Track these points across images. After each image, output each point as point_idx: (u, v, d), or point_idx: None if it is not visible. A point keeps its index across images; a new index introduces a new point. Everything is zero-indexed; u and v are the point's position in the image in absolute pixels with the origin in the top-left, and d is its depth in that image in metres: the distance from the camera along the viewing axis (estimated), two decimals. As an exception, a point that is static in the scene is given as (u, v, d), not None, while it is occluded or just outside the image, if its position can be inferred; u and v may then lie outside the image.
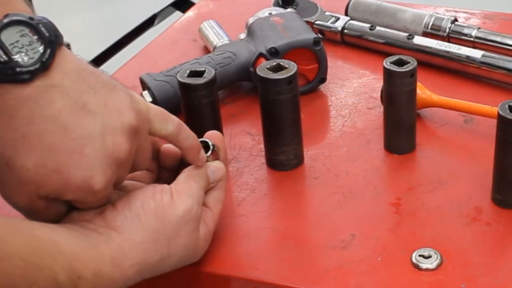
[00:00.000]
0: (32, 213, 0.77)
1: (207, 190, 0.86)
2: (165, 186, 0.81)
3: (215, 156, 0.88)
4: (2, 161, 0.73)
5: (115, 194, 0.81)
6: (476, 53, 1.16)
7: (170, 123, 0.83)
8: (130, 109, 0.77)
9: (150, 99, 1.08)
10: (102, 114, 0.75)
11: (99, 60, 2.40)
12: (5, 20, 0.72)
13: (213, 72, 0.98)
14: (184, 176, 0.84)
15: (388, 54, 1.03)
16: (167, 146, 0.88)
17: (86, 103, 0.74)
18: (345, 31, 1.29)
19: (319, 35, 1.29)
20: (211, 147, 0.88)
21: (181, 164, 0.88)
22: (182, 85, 0.98)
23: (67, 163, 0.73)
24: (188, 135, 0.85)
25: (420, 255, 0.85)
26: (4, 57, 0.71)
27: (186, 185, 0.82)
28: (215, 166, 0.87)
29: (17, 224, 0.70)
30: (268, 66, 0.96)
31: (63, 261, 0.70)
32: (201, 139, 0.88)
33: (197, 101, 0.98)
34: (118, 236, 0.76)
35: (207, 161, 0.87)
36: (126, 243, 0.76)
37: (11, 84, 0.71)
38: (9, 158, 0.73)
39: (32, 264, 0.67)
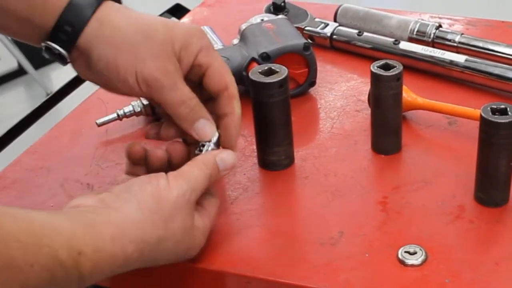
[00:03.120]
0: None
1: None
2: (162, 173, 0.81)
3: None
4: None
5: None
6: (460, 58, 1.16)
7: None
8: None
9: (148, 101, 1.08)
10: None
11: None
12: None
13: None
14: (188, 164, 0.83)
15: (375, 59, 1.03)
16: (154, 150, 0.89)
17: None
18: (334, 36, 1.29)
19: (309, 40, 1.29)
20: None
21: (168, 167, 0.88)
22: (178, 88, 0.98)
23: None
24: None
25: (405, 252, 0.85)
26: None
27: (186, 171, 0.82)
28: (226, 154, 0.86)
29: (11, 209, 0.70)
30: (260, 70, 0.96)
31: (62, 240, 0.70)
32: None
33: (192, 104, 0.98)
34: (117, 215, 0.76)
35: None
36: (124, 222, 0.76)
37: None
38: None
39: (31, 244, 0.67)
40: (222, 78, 0.88)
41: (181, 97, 0.86)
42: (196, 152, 0.86)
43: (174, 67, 0.85)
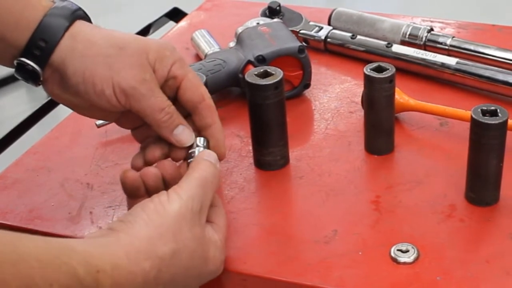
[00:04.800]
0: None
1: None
2: (163, 191, 0.80)
3: None
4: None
5: None
6: (451, 61, 1.16)
7: None
8: None
9: None
10: None
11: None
12: None
13: (205, 78, 0.98)
14: (186, 175, 0.82)
15: (368, 61, 1.03)
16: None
17: None
18: (328, 39, 1.29)
19: (304, 43, 1.29)
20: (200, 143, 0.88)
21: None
22: (175, 90, 0.97)
23: None
24: None
25: (398, 250, 0.85)
26: None
27: (183, 181, 0.80)
28: (204, 151, 0.86)
29: (25, 234, 0.68)
30: (256, 73, 0.96)
31: (79, 258, 0.68)
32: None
33: (189, 105, 0.97)
34: (125, 235, 0.74)
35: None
36: (134, 240, 0.74)
37: None
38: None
39: (49, 263, 0.66)
40: (198, 89, 0.88)
41: (161, 103, 0.85)
42: (189, 161, 0.86)
43: (150, 76, 0.85)
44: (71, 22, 0.85)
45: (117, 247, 0.73)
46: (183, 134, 0.87)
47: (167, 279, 0.76)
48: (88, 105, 0.86)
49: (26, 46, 0.84)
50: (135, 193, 0.86)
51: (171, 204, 0.77)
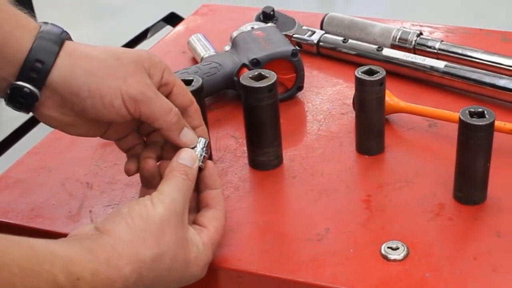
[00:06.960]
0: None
1: (202, 211, 0.85)
2: (147, 195, 0.79)
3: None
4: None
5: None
6: (439, 64, 1.16)
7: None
8: None
9: None
10: None
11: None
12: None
13: (201, 81, 0.98)
14: (162, 180, 0.82)
15: (359, 65, 1.03)
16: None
17: None
18: (321, 43, 1.29)
19: (297, 47, 1.29)
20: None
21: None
22: (172, 93, 0.97)
23: None
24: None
25: (388, 247, 0.85)
26: None
27: (163, 186, 0.80)
28: (184, 152, 0.85)
29: (12, 236, 0.68)
30: (250, 76, 0.96)
31: (61, 265, 0.68)
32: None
33: (185, 107, 0.97)
34: (109, 238, 0.74)
35: None
36: (117, 243, 0.74)
37: None
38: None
39: (31, 270, 0.66)
40: (187, 93, 0.89)
41: (168, 104, 0.85)
42: None
43: (151, 81, 0.84)
44: (61, 44, 0.83)
45: (99, 251, 0.73)
46: (189, 135, 0.87)
47: (148, 282, 0.76)
48: (85, 122, 0.85)
49: (21, 68, 0.81)
50: (150, 182, 0.87)
51: (155, 209, 0.77)
